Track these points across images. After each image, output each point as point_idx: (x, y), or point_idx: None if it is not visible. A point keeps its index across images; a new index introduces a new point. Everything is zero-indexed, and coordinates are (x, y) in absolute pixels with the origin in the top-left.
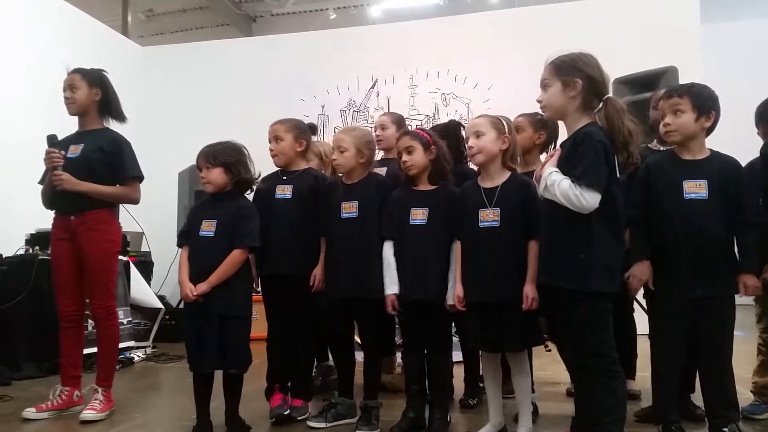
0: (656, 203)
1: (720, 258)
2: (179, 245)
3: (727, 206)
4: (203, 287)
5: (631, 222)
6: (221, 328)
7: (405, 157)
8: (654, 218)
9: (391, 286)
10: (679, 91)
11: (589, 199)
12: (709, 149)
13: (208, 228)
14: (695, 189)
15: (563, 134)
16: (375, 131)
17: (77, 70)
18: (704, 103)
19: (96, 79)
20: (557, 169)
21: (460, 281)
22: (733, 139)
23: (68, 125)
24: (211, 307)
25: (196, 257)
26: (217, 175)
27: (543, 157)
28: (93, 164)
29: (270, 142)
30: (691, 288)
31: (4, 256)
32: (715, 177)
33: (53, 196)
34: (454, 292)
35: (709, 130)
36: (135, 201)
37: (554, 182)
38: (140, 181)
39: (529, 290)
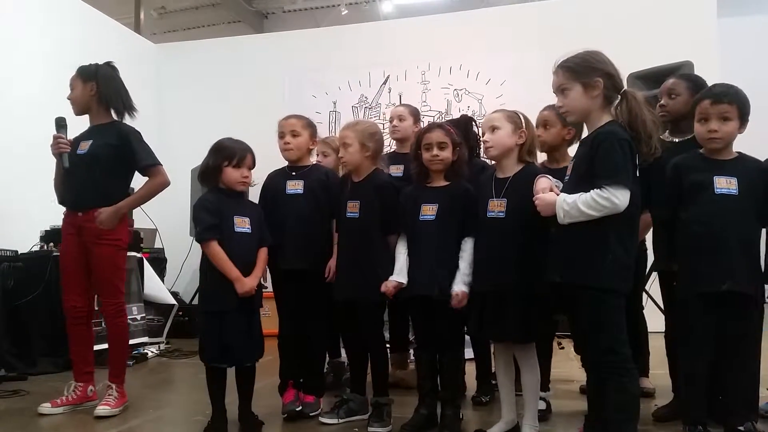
0: (686, 200)
1: (747, 257)
2: (210, 238)
3: (756, 207)
4: (255, 282)
5: (660, 224)
6: (258, 321)
7: (436, 151)
8: (684, 215)
9: (397, 275)
10: (729, 98)
11: (621, 198)
12: (736, 151)
13: (243, 225)
14: (726, 185)
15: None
16: (392, 122)
17: (77, 70)
18: (747, 110)
19: (90, 73)
20: (562, 193)
21: (465, 278)
22: (750, 135)
23: (82, 123)
24: (253, 301)
25: (236, 253)
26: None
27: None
28: (102, 159)
29: (283, 136)
30: (719, 282)
31: (19, 253)
32: (744, 177)
33: (62, 191)
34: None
35: None
36: (166, 184)
37: (573, 202)
38: (158, 165)
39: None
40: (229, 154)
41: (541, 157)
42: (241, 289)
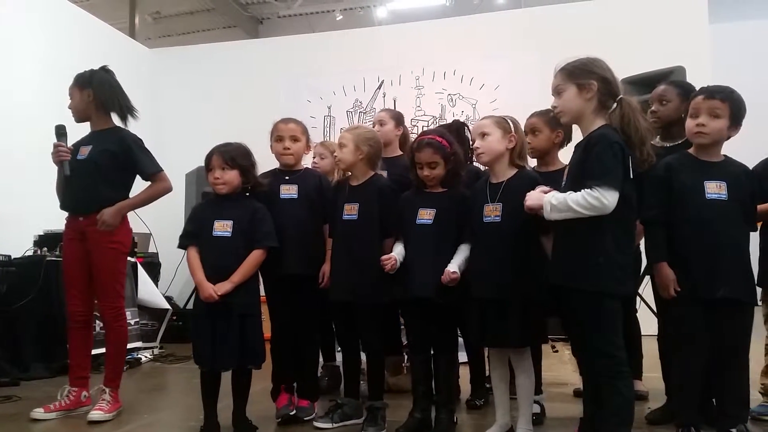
0: (677, 203)
1: (739, 262)
2: (183, 246)
3: (743, 211)
4: (227, 287)
5: (650, 223)
6: (241, 327)
7: (427, 172)
8: (674, 218)
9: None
10: (722, 96)
11: (610, 199)
12: (723, 154)
13: (223, 228)
14: (716, 189)
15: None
16: (374, 127)
17: (74, 78)
18: (740, 113)
19: (85, 81)
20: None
21: (459, 265)
22: (740, 139)
23: (79, 128)
24: (231, 306)
25: (212, 257)
26: (233, 177)
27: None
28: (101, 165)
29: (282, 140)
30: (713, 288)
31: (12, 258)
32: (731, 180)
33: (63, 196)
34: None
35: (726, 138)
36: (168, 189)
37: (563, 198)
38: (161, 171)
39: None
40: (205, 161)
41: (532, 162)
42: (202, 294)
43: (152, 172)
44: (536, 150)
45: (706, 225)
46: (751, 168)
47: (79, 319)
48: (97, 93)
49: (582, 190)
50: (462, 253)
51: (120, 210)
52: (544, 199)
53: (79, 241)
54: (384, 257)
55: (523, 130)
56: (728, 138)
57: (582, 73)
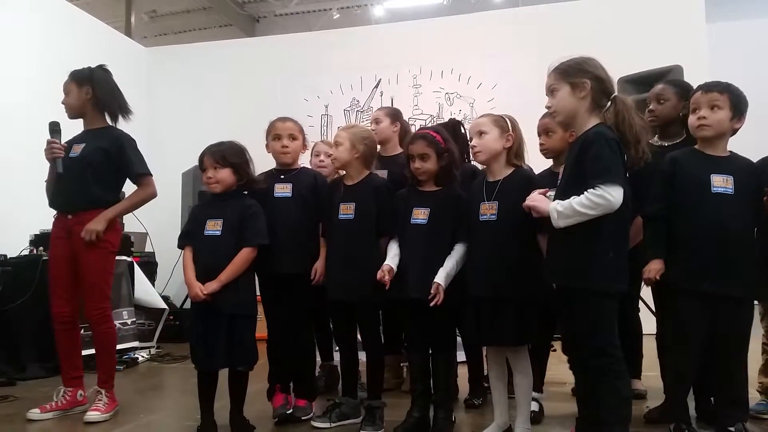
0: (681, 197)
1: (741, 258)
2: (181, 246)
3: (750, 206)
4: (213, 286)
5: (652, 217)
6: (230, 327)
7: (418, 164)
8: (677, 212)
9: (390, 260)
10: (720, 88)
11: (615, 195)
12: (729, 150)
13: (213, 227)
14: (723, 184)
15: None
16: (370, 126)
17: (70, 74)
18: (741, 104)
19: (84, 78)
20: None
21: (449, 272)
22: (738, 138)
23: (74, 126)
24: (220, 305)
25: (203, 257)
26: (226, 176)
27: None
28: (93, 163)
29: (280, 138)
30: (706, 282)
31: (8, 257)
32: (738, 175)
33: (53, 194)
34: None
35: (733, 133)
36: (153, 195)
37: (568, 203)
38: (150, 175)
39: None
40: (198, 161)
41: (546, 163)
42: (189, 294)
43: (139, 173)
44: (550, 150)
45: (709, 219)
46: None
47: (64, 320)
48: (97, 91)
49: (585, 192)
50: (454, 257)
51: (104, 218)
52: (549, 206)
53: (67, 240)
54: (379, 276)
55: (520, 129)
56: (734, 132)
57: (575, 72)
